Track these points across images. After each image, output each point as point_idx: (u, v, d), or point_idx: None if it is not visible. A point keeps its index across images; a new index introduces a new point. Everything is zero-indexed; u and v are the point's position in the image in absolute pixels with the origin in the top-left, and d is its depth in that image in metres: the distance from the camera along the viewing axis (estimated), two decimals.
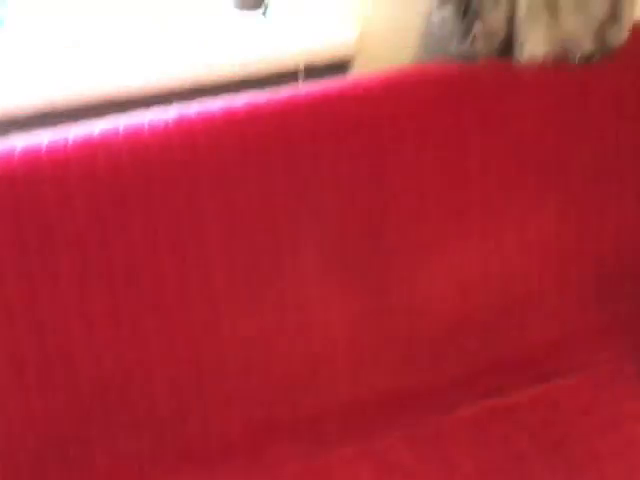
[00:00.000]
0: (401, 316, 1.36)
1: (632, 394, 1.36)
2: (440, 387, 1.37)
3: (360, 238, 1.31)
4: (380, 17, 1.42)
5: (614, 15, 1.30)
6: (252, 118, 1.22)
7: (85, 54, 1.35)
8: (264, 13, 1.44)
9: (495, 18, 1.26)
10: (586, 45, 1.31)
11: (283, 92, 1.28)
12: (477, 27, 1.25)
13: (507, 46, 1.31)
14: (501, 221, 1.40)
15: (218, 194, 1.20)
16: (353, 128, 1.27)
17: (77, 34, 1.38)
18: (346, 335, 1.33)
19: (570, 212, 1.45)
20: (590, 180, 1.45)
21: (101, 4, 1.42)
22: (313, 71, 1.40)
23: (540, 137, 1.39)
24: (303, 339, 1.30)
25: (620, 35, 1.31)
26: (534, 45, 1.28)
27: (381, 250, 1.33)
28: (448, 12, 1.25)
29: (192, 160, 1.18)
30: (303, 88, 1.30)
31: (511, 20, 1.27)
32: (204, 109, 1.22)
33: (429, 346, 1.38)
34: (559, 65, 1.33)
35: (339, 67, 1.44)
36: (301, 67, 1.38)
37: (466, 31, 1.26)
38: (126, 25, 1.41)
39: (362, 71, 1.43)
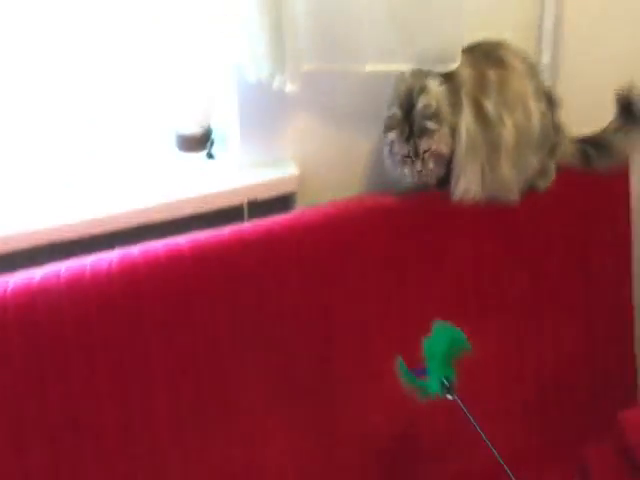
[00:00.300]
0: (352, 445, 1.35)
1: None
2: None
3: (307, 370, 1.31)
4: (321, 154, 1.49)
5: (543, 170, 1.44)
6: (196, 258, 1.23)
7: (27, 196, 1.36)
8: (209, 154, 1.49)
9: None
10: (515, 193, 1.41)
11: (226, 230, 1.30)
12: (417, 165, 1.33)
13: (445, 180, 1.39)
14: None
15: (162, 337, 1.19)
16: (296, 263, 1.30)
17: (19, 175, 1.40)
18: (296, 468, 1.30)
19: (510, 334, 1.48)
20: (527, 304, 1.49)
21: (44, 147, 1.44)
22: (258, 207, 1.43)
23: (477, 265, 1.44)
24: (253, 476, 1.28)
25: (546, 184, 1.45)
26: (469, 183, 1.37)
27: (329, 380, 1.33)
28: (394, 135, 1.33)
29: (135, 304, 1.18)
30: (246, 225, 1.33)
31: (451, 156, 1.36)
32: (148, 250, 1.23)
33: (379, 474, 1.36)
34: (491, 203, 1.40)
35: (283, 202, 1.47)
36: (245, 204, 1.42)
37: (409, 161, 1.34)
38: (71, 165, 1.43)
39: (305, 205, 1.47)
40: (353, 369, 1.34)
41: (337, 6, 1.26)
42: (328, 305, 1.32)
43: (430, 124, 1.30)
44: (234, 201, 1.42)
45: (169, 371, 1.20)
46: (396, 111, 1.32)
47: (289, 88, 1.27)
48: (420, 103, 1.30)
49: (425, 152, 1.32)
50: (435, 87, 1.32)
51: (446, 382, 1.13)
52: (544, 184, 1.44)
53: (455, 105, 1.33)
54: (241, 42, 1.25)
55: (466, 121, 1.34)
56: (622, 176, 1.55)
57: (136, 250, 1.22)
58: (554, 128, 1.42)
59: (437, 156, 1.33)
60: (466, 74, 1.35)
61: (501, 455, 1.32)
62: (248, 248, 1.27)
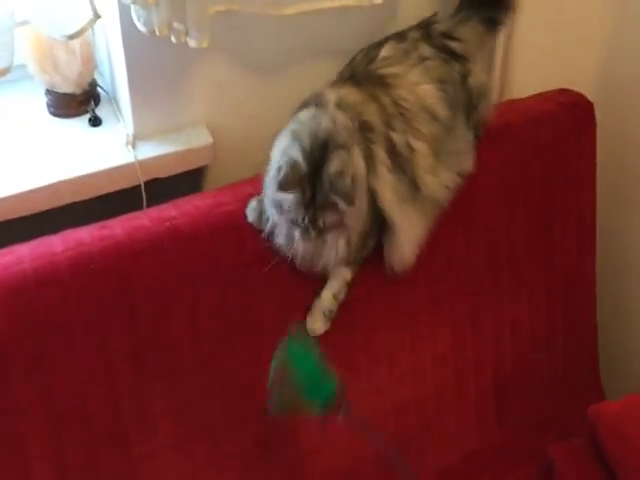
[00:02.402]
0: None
1: None
2: None
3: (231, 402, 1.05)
4: (239, 116, 1.17)
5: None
6: (75, 271, 0.92)
7: None
8: (92, 120, 1.14)
9: None
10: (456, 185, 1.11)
11: (118, 223, 0.99)
12: None
13: None
14: (383, 350, 1.17)
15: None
16: (214, 272, 1.00)
17: None
18: None
19: (464, 322, 1.25)
20: (484, 287, 1.26)
21: None
22: (159, 188, 1.12)
23: (430, 247, 1.16)
24: None
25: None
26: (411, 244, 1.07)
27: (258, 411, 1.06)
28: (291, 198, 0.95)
29: None
30: (144, 214, 1.02)
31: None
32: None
33: None
34: None
35: (192, 179, 1.16)
36: (142, 184, 1.09)
37: None
38: None
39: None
40: None
41: None
42: (253, 314, 1.04)
43: (341, 203, 0.92)
44: (128, 181, 1.09)
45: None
46: (298, 160, 0.93)
47: (194, 43, 0.94)
48: (332, 167, 0.92)
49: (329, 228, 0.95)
50: (358, 156, 0.95)
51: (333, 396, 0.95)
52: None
53: (369, 158, 0.98)
54: None
55: (386, 181, 1.00)
56: (589, 131, 1.31)
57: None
58: (472, 92, 1.10)
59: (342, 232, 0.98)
60: (371, 110, 1.01)
61: (462, 450, 1.24)
62: (146, 251, 0.97)
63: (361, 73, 1.05)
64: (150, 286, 0.97)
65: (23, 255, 0.93)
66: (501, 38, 1.30)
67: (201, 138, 1.14)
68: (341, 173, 0.91)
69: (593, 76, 1.44)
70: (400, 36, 1.08)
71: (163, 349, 0.98)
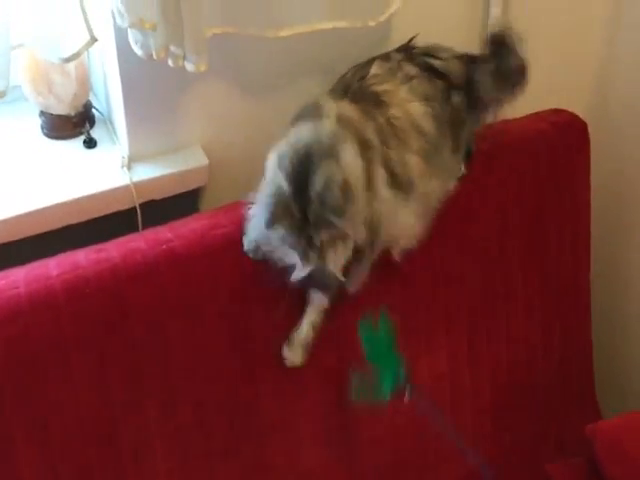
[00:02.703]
0: None
1: None
2: None
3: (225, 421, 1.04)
4: (236, 137, 1.17)
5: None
6: (71, 296, 0.91)
7: None
8: (87, 142, 1.13)
9: None
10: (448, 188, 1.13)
11: (112, 247, 0.98)
12: None
13: None
14: None
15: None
16: (210, 292, 0.99)
17: None
18: None
19: (461, 345, 1.24)
20: (480, 306, 1.25)
21: None
22: (156, 209, 1.10)
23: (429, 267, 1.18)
24: None
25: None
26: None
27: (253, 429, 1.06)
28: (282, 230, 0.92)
29: None
30: (139, 237, 1.01)
31: None
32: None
33: None
34: None
35: (188, 200, 1.15)
36: (138, 206, 1.08)
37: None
38: None
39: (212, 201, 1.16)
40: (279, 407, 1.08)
41: None
42: (250, 336, 1.03)
43: (334, 218, 0.89)
44: (123, 203, 1.09)
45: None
46: (283, 186, 0.90)
47: (191, 67, 0.93)
48: (317, 183, 0.88)
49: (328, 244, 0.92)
50: (349, 155, 0.92)
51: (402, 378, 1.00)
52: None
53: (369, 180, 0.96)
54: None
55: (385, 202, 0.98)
56: (582, 151, 1.31)
57: None
58: (458, 107, 1.10)
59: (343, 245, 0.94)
60: (370, 129, 0.99)
61: (461, 470, 1.20)
62: (142, 274, 0.96)
63: (356, 89, 1.04)
64: (146, 308, 0.95)
65: (18, 279, 0.92)
66: None
67: (197, 159, 1.13)
68: (327, 186, 0.88)
69: (587, 97, 1.45)
70: (385, 57, 1.09)
71: (160, 371, 0.97)
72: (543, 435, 1.37)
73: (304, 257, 0.91)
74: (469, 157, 1.17)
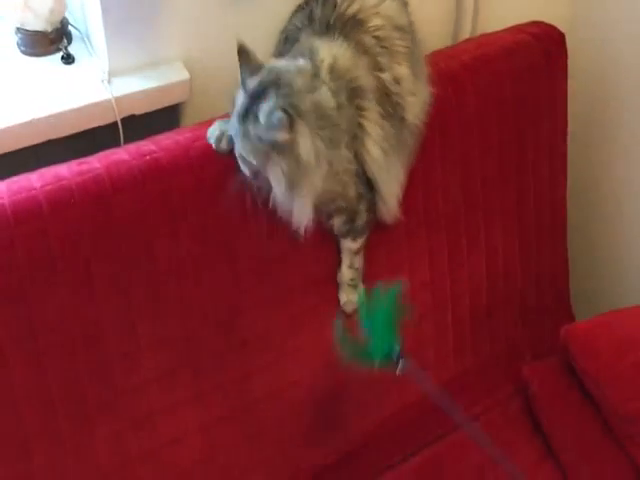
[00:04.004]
0: (269, 403, 1.11)
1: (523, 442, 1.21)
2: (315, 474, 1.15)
3: (213, 332, 1.04)
4: (217, 49, 1.12)
5: None
6: (54, 208, 0.89)
7: None
8: (65, 57, 1.09)
9: None
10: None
11: (96, 160, 0.96)
12: None
13: None
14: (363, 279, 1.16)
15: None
16: (194, 207, 0.99)
17: None
18: (208, 439, 1.06)
19: (441, 255, 1.25)
20: (460, 218, 1.26)
21: None
22: (136, 125, 1.08)
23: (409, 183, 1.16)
24: (151, 465, 1.02)
25: None
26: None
27: (239, 340, 1.06)
28: None
29: None
30: (122, 151, 0.99)
31: None
32: None
33: (299, 433, 1.14)
34: None
35: (169, 115, 1.13)
36: (119, 121, 1.06)
37: None
38: None
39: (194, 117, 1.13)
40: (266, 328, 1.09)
41: None
42: (233, 247, 1.03)
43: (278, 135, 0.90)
44: (104, 118, 1.06)
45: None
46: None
47: None
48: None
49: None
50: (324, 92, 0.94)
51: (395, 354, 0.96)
52: None
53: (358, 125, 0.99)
54: None
55: (376, 138, 1.00)
56: (560, 59, 1.30)
57: None
58: None
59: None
60: (362, 67, 1.00)
61: (440, 378, 1.22)
62: (127, 186, 0.94)
63: (337, 22, 1.02)
64: (131, 218, 0.94)
65: (1, 191, 0.90)
66: None
67: (177, 74, 1.11)
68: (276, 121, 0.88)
69: (565, 9, 1.42)
70: None
71: (146, 280, 0.97)
72: (520, 341, 1.38)
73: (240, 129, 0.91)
74: None
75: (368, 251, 1.13)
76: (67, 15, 1.14)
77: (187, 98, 1.13)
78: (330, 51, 0.99)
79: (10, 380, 0.91)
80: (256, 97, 0.91)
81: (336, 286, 1.13)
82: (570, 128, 1.36)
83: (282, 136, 0.89)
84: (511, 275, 1.36)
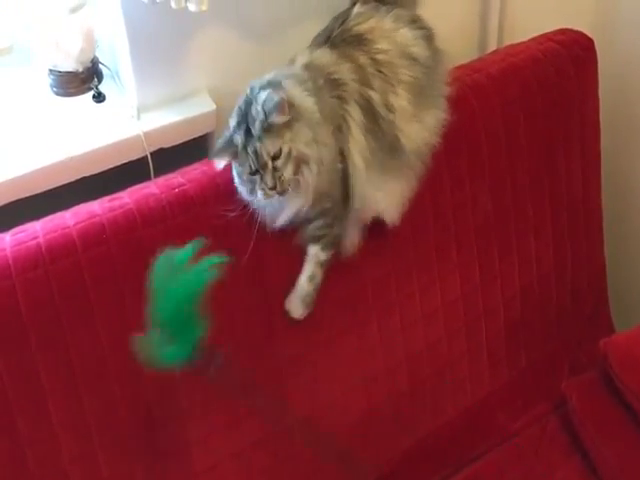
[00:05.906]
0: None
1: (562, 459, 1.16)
2: None
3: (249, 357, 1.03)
4: (242, 81, 1.13)
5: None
6: (87, 245, 0.91)
7: None
8: (96, 96, 1.11)
9: None
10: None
11: (126, 195, 0.97)
12: None
13: None
14: (395, 299, 1.14)
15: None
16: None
17: None
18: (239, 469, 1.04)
19: (473, 268, 1.22)
20: (491, 229, 1.23)
21: None
22: (166, 157, 1.09)
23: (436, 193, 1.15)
24: None
25: None
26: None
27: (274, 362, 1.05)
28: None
29: None
30: (153, 184, 1.00)
31: None
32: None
33: (333, 455, 1.09)
34: None
35: (198, 146, 1.13)
36: (149, 155, 1.07)
37: None
38: None
39: None
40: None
41: None
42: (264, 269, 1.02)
43: (277, 117, 0.89)
44: (134, 153, 1.07)
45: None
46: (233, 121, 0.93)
47: (193, 7, 0.90)
48: (260, 99, 0.90)
49: (275, 158, 0.90)
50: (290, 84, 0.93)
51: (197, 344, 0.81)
52: None
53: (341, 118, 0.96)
54: None
55: (358, 144, 0.97)
56: (590, 66, 1.26)
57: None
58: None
59: (298, 160, 0.91)
60: (344, 69, 0.98)
61: (476, 394, 1.20)
62: (161, 217, 0.95)
63: (337, 35, 1.01)
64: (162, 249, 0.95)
65: (36, 231, 0.91)
66: None
67: (204, 105, 1.11)
68: (270, 98, 0.88)
69: (591, 15, 1.38)
70: None
71: None
72: (558, 354, 1.34)
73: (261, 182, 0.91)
74: None
75: (398, 274, 1.10)
76: (97, 53, 1.16)
77: (214, 128, 1.13)
78: (309, 54, 0.98)
79: (47, 411, 0.92)
80: (246, 105, 0.92)
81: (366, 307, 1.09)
82: (602, 134, 1.32)
83: (281, 118, 0.89)
84: (546, 285, 1.32)
